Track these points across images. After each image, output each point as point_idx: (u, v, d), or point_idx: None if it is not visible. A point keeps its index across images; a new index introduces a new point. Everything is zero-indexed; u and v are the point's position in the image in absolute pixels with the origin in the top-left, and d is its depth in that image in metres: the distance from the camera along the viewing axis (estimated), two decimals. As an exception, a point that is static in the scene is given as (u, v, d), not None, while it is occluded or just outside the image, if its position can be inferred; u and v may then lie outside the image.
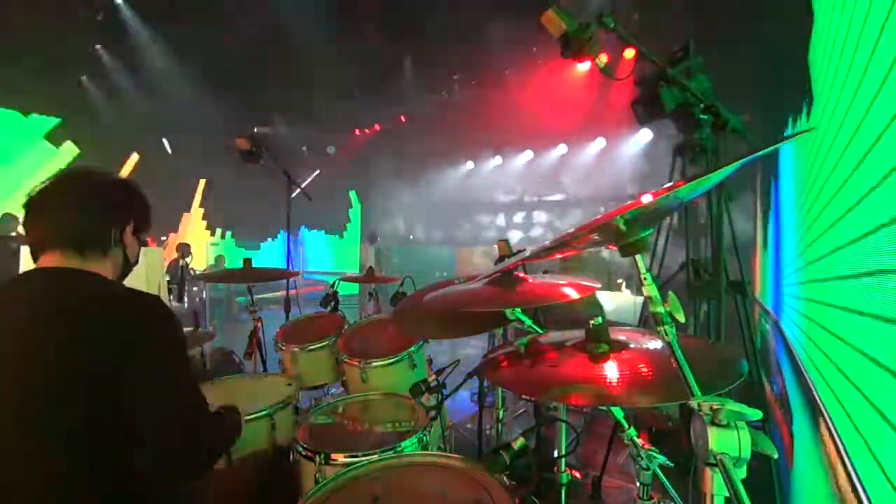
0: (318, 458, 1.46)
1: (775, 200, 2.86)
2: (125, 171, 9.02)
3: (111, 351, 1.00)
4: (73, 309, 1.04)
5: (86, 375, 0.98)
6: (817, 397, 1.61)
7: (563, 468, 1.47)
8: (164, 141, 9.73)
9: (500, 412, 1.93)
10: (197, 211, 10.97)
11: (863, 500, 1.07)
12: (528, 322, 1.39)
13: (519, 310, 1.36)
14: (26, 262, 1.19)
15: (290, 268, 3.60)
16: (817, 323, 1.70)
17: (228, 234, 11.56)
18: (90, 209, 1.15)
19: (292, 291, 3.32)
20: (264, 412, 1.80)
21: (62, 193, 1.15)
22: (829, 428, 1.42)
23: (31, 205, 1.13)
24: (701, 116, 1.88)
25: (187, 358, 1.21)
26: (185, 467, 1.12)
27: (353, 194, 12.78)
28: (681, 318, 0.79)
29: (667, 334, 0.78)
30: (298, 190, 3.61)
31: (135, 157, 9.36)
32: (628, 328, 1.16)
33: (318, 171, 11.59)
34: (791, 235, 2.31)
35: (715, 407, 0.66)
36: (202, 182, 10.59)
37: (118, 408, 1.00)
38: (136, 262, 1.28)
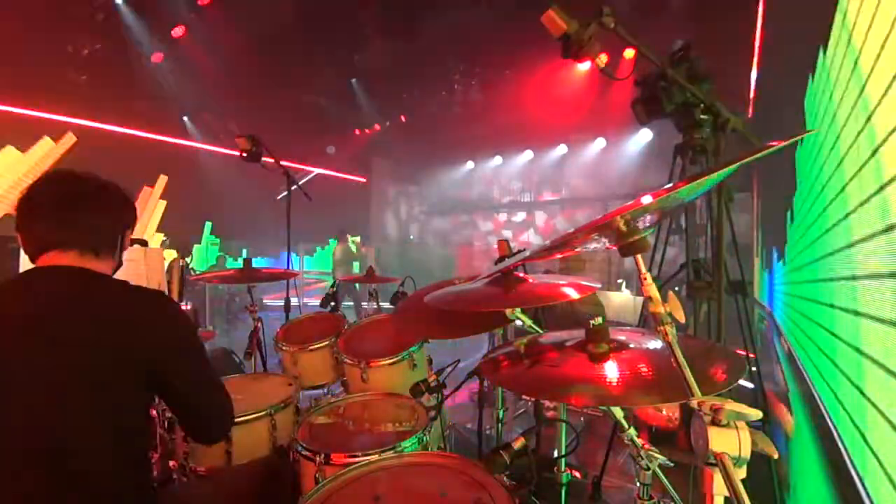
0: (318, 458, 1.46)
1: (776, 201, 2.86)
2: (157, 193, 9.02)
3: (142, 344, 1.09)
4: (97, 307, 1.10)
5: (118, 366, 1.06)
6: (816, 395, 1.61)
7: (563, 468, 1.47)
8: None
9: (500, 412, 1.93)
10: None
11: (862, 497, 1.07)
12: (528, 322, 1.39)
13: (519, 310, 1.35)
14: (25, 262, 1.19)
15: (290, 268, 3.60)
16: (816, 322, 1.70)
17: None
18: (108, 211, 1.21)
19: (293, 292, 3.31)
20: (264, 412, 1.80)
21: (79, 198, 1.16)
22: (828, 426, 1.42)
23: (40, 206, 1.14)
24: (701, 116, 1.89)
25: (200, 342, 1.31)
26: (208, 431, 1.30)
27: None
28: (681, 318, 0.79)
29: (667, 334, 0.78)
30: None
31: (163, 179, 9.05)
32: (628, 328, 1.16)
33: (314, 173, 11.58)
34: (791, 236, 2.31)
35: (715, 407, 0.66)
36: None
37: (147, 394, 1.14)
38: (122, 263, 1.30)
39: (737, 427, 0.65)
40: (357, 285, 7.40)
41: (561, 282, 1.34)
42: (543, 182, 10.37)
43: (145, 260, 2.15)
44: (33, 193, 1.14)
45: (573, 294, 1.25)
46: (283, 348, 2.49)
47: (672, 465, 1.07)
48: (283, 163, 3.37)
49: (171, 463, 1.79)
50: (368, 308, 3.81)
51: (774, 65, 3.18)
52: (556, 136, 9.59)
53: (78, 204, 1.16)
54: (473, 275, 1.56)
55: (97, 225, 1.18)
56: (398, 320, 1.87)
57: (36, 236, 1.14)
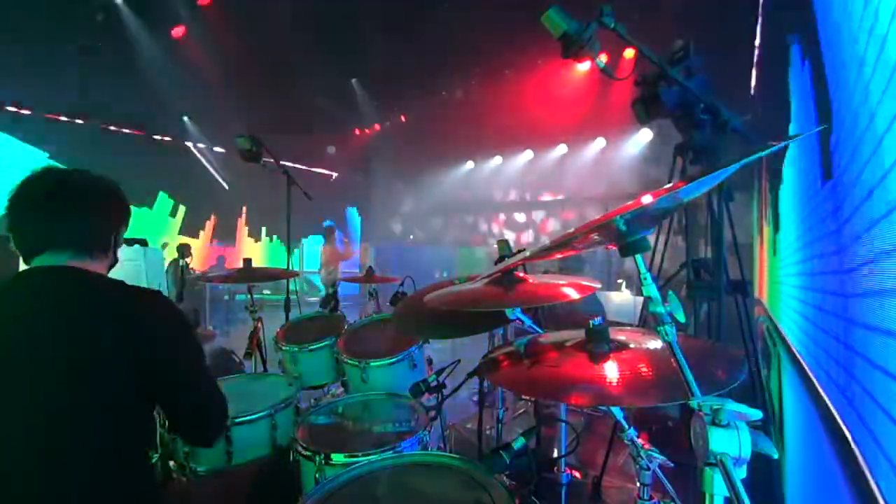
0: (318, 458, 1.46)
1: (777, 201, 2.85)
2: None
3: (138, 342, 1.07)
4: (95, 307, 1.09)
5: (115, 365, 1.04)
6: (822, 394, 1.60)
7: (563, 468, 1.47)
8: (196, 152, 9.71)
9: (500, 412, 1.93)
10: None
11: (875, 494, 1.05)
12: (528, 322, 1.39)
13: (519, 310, 1.35)
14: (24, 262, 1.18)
15: (290, 268, 3.60)
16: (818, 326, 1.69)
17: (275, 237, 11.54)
18: (101, 211, 1.19)
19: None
20: (264, 412, 1.80)
21: (71, 195, 1.15)
22: (833, 425, 1.41)
23: (31, 207, 1.13)
24: (701, 116, 1.88)
25: (198, 342, 1.29)
26: (203, 435, 1.27)
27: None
28: (681, 318, 0.79)
29: (667, 334, 0.78)
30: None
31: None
32: (628, 328, 1.16)
33: (333, 177, 11.63)
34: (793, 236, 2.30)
35: (715, 407, 0.66)
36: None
37: (146, 394, 1.10)
38: (117, 261, 1.29)
39: (737, 427, 0.64)
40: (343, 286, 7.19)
41: (561, 282, 1.34)
42: (543, 182, 10.35)
43: (145, 260, 2.16)
44: (23, 193, 1.12)
45: (573, 294, 1.25)
46: (283, 348, 2.49)
47: (672, 465, 1.07)
48: (283, 162, 3.38)
49: (171, 463, 1.79)
50: (368, 308, 3.80)
51: (774, 65, 3.17)
52: (556, 136, 9.58)
53: (69, 204, 1.14)
54: (473, 275, 1.56)
55: (89, 225, 1.16)
56: (398, 320, 1.87)
57: (28, 237, 1.13)
